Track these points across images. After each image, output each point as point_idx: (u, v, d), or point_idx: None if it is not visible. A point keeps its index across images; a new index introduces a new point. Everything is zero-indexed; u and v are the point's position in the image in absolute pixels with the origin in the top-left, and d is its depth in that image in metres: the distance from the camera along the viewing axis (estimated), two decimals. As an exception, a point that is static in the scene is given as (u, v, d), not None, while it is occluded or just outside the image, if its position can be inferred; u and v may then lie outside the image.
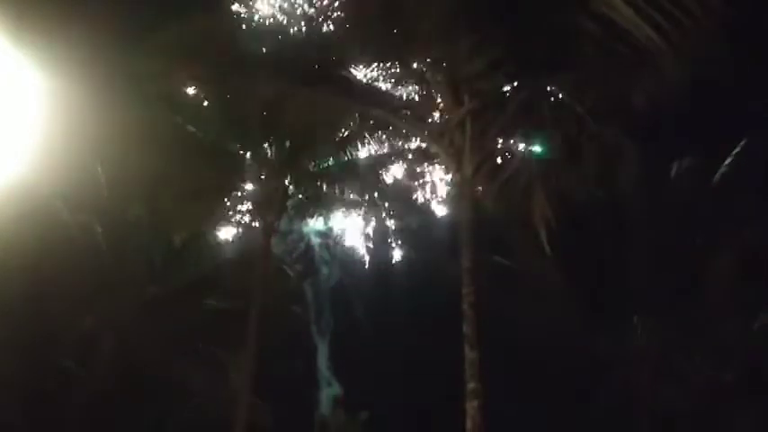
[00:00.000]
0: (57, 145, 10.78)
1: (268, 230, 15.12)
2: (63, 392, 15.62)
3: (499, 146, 11.95)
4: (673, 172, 14.91)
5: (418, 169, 15.19)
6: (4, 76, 10.09)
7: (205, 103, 14.98)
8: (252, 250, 15.63)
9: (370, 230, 18.24)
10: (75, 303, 14.85)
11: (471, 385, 11.59)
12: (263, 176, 15.28)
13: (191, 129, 14.82)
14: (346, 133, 14.62)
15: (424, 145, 13.51)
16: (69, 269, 14.10)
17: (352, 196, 15.75)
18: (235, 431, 13.89)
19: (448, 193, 12.64)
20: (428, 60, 12.51)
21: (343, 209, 16.56)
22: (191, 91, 14.88)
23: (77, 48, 12.35)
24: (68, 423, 15.57)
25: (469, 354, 11.80)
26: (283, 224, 15.93)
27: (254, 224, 15.90)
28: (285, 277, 15.98)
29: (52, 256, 13.76)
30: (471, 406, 11.48)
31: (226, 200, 15.76)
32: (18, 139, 10.11)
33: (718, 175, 14.82)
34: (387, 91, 13.29)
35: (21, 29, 10.35)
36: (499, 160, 11.94)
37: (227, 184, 15.47)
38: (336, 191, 15.56)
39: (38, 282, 13.93)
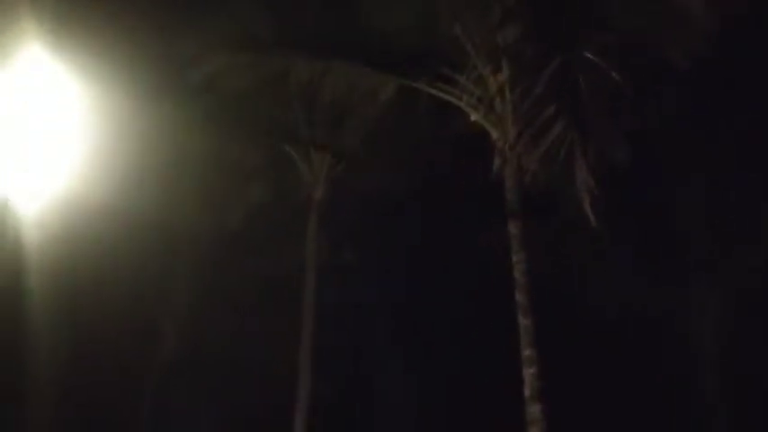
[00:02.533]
0: (102, 151, 11.11)
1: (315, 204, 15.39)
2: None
3: (540, 113, 11.76)
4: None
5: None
6: (44, 87, 10.43)
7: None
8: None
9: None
10: (132, 298, 15.36)
11: (527, 352, 11.71)
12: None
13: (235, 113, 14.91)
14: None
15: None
16: (121, 270, 14.55)
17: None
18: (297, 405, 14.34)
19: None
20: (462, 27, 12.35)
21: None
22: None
23: (116, 47, 12.57)
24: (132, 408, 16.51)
25: (523, 321, 11.89)
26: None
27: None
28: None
29: (102, 260, 14.20)
30: (528, 373, 11.59)
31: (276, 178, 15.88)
32: (63, 150, 10.45)
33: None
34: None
35: (58, 38, 10.60)
36: (540, 128, 11.75)
37: (274, 162, 15.66)
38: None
39: (92, 284, 14.41)
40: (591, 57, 11.10)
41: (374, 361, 16.53)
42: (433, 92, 12.79)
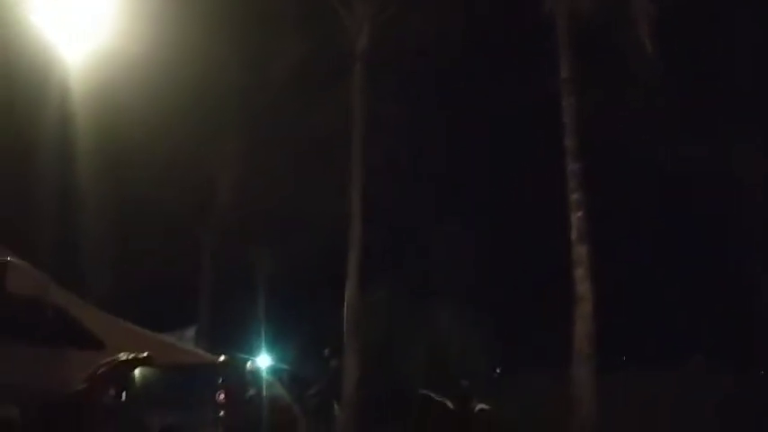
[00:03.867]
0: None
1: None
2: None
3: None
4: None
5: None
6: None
7: None
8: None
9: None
10: (181, 151, 15.51)
11: (575, 196, 11.71)
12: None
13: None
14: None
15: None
16: (168, 122, 14.62)
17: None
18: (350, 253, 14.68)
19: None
20: None
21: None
22: None
23: None
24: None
25: (572, 165, 11.82)
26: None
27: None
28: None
29: (148, 114, 14.31)
30: (576, 216, 11.65)
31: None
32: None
33: None
34: None
35: None
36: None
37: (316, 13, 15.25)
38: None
39: (141, 136, 14.60)
40: None
41: (422, 210, 16.55)
42: None
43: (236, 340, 16.25)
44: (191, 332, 16.83)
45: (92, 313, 4.70)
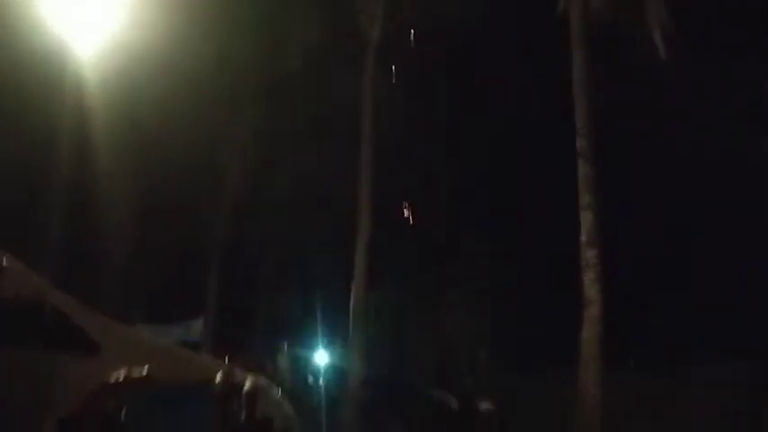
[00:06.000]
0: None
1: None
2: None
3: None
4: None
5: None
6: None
7: None
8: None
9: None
10: (195, 136, 15.43)
11: (585, 199, 11.50)
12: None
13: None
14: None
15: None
16: (182, 108, 14.54)
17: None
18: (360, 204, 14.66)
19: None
20: None
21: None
22: None
23: None
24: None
25: (583, 168, 11.61)
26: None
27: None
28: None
29: (162, 100, 14.24)
30: (586, 219, 11.45)
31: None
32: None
33: None
34: None
35: None
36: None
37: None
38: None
39: (155, 123, 14.60)
40: None
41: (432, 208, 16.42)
42: None
43: (244, 331, 16.23)
44: (198, 323, 16.87)
45: (91, 316, 4.66)
